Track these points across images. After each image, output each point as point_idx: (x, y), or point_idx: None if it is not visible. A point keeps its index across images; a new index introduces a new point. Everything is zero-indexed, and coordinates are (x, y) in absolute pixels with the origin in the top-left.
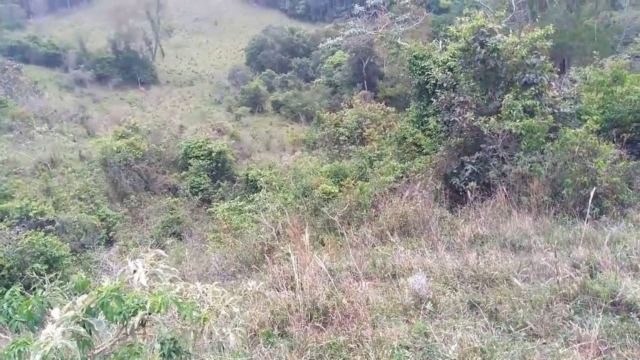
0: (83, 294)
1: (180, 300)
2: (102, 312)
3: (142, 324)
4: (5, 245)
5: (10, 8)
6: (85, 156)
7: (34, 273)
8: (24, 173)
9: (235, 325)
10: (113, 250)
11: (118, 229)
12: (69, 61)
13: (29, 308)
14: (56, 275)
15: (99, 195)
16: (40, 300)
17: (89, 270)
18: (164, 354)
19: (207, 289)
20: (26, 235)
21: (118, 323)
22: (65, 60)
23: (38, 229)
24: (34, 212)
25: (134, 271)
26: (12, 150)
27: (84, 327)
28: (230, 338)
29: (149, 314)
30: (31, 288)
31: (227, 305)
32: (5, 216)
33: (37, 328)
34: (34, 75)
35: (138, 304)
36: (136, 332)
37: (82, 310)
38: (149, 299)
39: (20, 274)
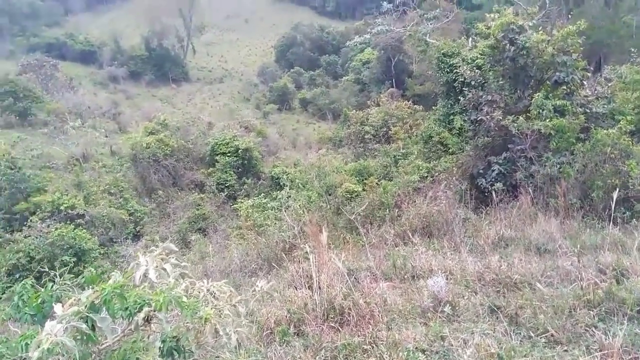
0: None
1: (184, 298)
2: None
3: (148, 320)
4: (37, 238)
5: (49, 6)
6: (116, 151)
7: (62, 265)
8: (57, 167)
9: (239, 326)
10: (140, 245)
11: (145, 223)
12: (104, 58)
13: (39, 301)
14: (84, 267)
15: (127, 190)
16: (50, 294)
17: (115, 263)
18: (163, 352)
19: (214, 287)
20: (56, 228)
21: (123, 319)
22: (100, 57)
23: (68, 222)
24: (65, 205)
25: (145, 268)
26: (46, 144)
27: (87, 322)
28: (232, 338)
29: (155, 310)
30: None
31: (233, 305)
32: (38, 209)
33: (45, 321)
34: (70, 71)
35: (142, 302)
36: (141, 328)
37: (86, 306)
38: (151, 297)
39: (50, 265)
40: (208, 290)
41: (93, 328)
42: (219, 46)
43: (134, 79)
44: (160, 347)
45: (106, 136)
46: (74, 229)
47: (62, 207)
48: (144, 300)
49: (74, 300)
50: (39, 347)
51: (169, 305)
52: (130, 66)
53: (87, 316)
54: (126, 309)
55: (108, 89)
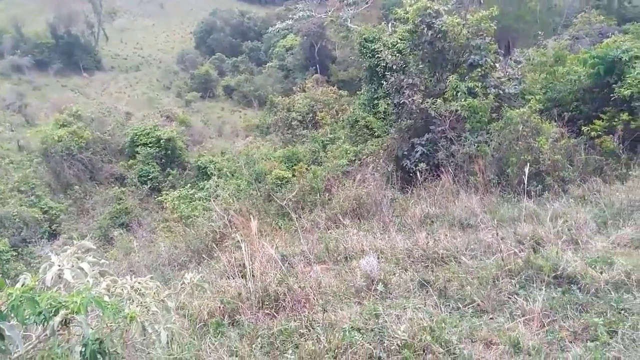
0: None
1: (105, 297)
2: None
3: (65, 324)
4: None
5: None
6: (24, 146)
7: None
8: None
9: (169, 321)
10: (57, 244)
11: (62, 221)
12: (5, 47)
13: None
14: None
15: (40, 187)
16: None
17: (30, 264)
18: (85, 357)
19: (139, 283)
20: None
21: (37, 325)
22: (0, 46)
23: None
24: None
25: (59, 267)
26: None
27: None
28: (162, 335)
29: (73, 313)
30: None
31: (161, 300)
32: None
33: None
34: None
35: (57, 304)
36: (58, 333)
37: None
38: (68, 299)
39: None
40: (132, 287)
41: (1, 337)
42: (134, 32)
43: (40, 68)
44: (81, 352)
45: (12, 130)
46: None
47: None
48: (60, 303)
49: None
50: None
51: (89, 306)
52: (35, 55)
53: None
54: (40, 313)
55: (11, 79)
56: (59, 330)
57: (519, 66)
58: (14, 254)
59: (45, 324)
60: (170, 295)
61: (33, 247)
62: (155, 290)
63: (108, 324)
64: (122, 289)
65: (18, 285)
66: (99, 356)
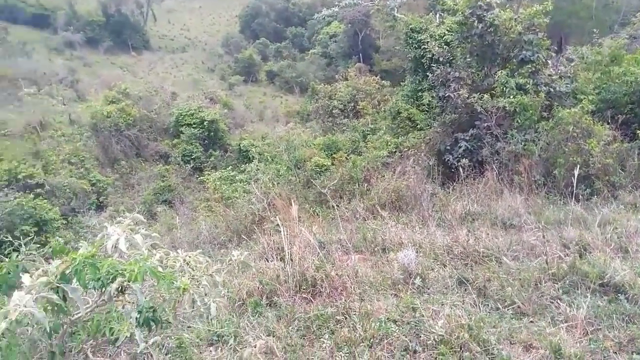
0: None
1: (159, 269)
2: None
3: (121, 291)
4: None
5: None
6: (75, 120)
7: (23, 235)
8: (12, 135)
9: (217, 295)
10: (104, 215)
11: (109, 194)
12: (58, 23)
13: (3, 272)
14: (46, 237)
15: (89, 160)
16: (15, 264)
17: (78, 234)
18: (140, 323)
19: (189, 257)
20: (15, 197)
21: (96, 290)
22: (54, 22)
23: (27, 191)
24: (23, 174)
25: (117, 238)
26: None
27: (57, 293)
28: (212, 308)
29: (129, 281)
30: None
31: (210, 275)
32: None
33: (12, 292)
34: (22, 36)
35: (115, 272)
36: (115, 299)
37: (56, 276)
38: (125, 268)
39: (10, 235)
40: (184, 260)
41: (64, 299)
42: (181, 14)
43: (91, 45)
44: (136, 318)
45: (64, 104)
46: (34, 198)
47: (20, 176)
48: (117, 271)
49: (43, 270)
50: (6, 318)
51: (144, 275)
52: (86, 32)
53: (58, 287)
54: (98, 279)
55: (64, 55)
56: (115, 296)
57: (572, 64)
58: (64, 222)
59: (103, 289)
60: (218, 270)
61: (81, 217)
62: (205, 265)
63: (161, 294)
64: (175, 262)
65: (80, 251)
66: (152, 323)
